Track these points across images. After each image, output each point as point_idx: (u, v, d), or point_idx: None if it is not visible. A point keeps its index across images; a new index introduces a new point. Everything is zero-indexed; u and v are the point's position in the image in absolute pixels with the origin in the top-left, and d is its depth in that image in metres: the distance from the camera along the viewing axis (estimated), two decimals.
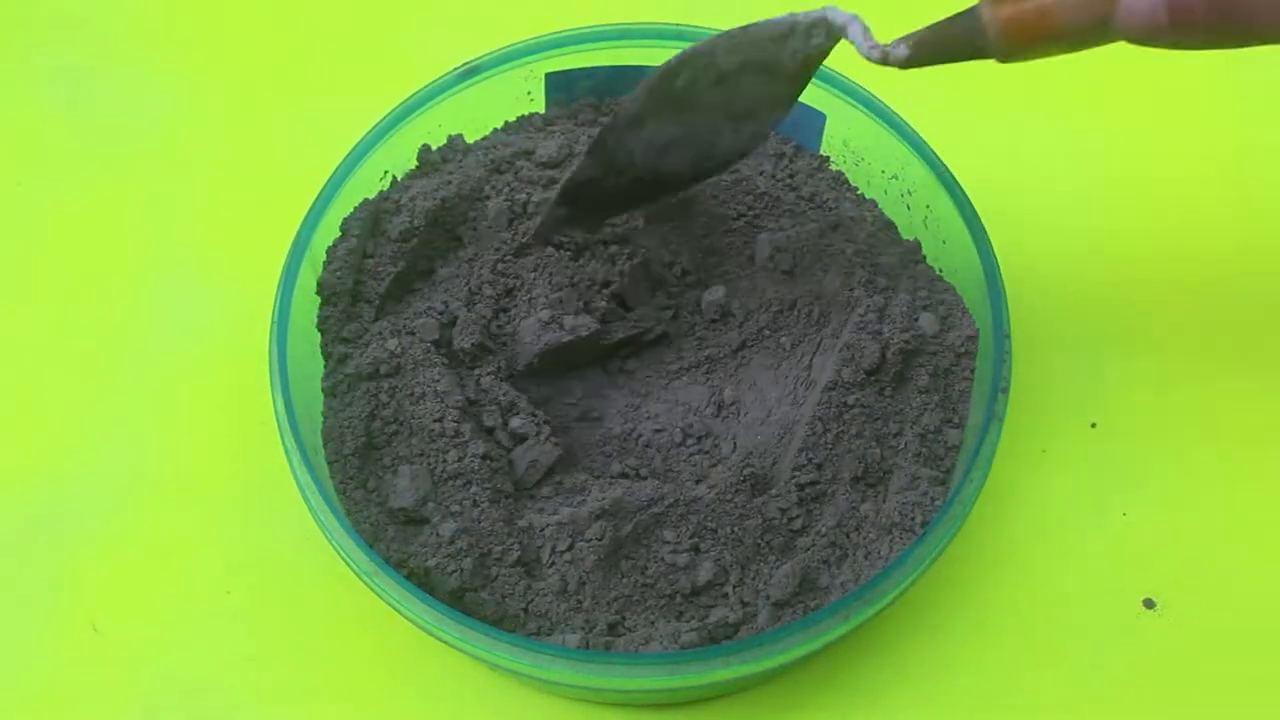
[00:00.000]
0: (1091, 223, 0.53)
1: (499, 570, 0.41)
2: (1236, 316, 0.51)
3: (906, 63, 0.39)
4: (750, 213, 0.47)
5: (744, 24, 0.40)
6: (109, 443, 0.49)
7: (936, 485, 0.42)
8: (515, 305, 0.46)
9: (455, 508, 0.42)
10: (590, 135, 0.48)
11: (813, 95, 0.47)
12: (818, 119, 0.48)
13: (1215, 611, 0.45)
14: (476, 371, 0.45)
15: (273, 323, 0.43)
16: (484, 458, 0.42)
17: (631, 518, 0.41)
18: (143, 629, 0.45)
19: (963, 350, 0.44)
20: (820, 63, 0.41)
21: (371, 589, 0.39)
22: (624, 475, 0.44)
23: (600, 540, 0.41)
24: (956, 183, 0.45)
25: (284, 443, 0.41)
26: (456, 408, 0.43)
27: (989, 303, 0.43)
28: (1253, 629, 0.45)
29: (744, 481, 0.42)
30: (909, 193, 0.47)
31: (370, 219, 0.46)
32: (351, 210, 0.46)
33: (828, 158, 0.49)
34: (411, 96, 0.47)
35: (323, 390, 0.44)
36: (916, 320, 0.44)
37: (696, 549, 0.42)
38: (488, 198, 0.47)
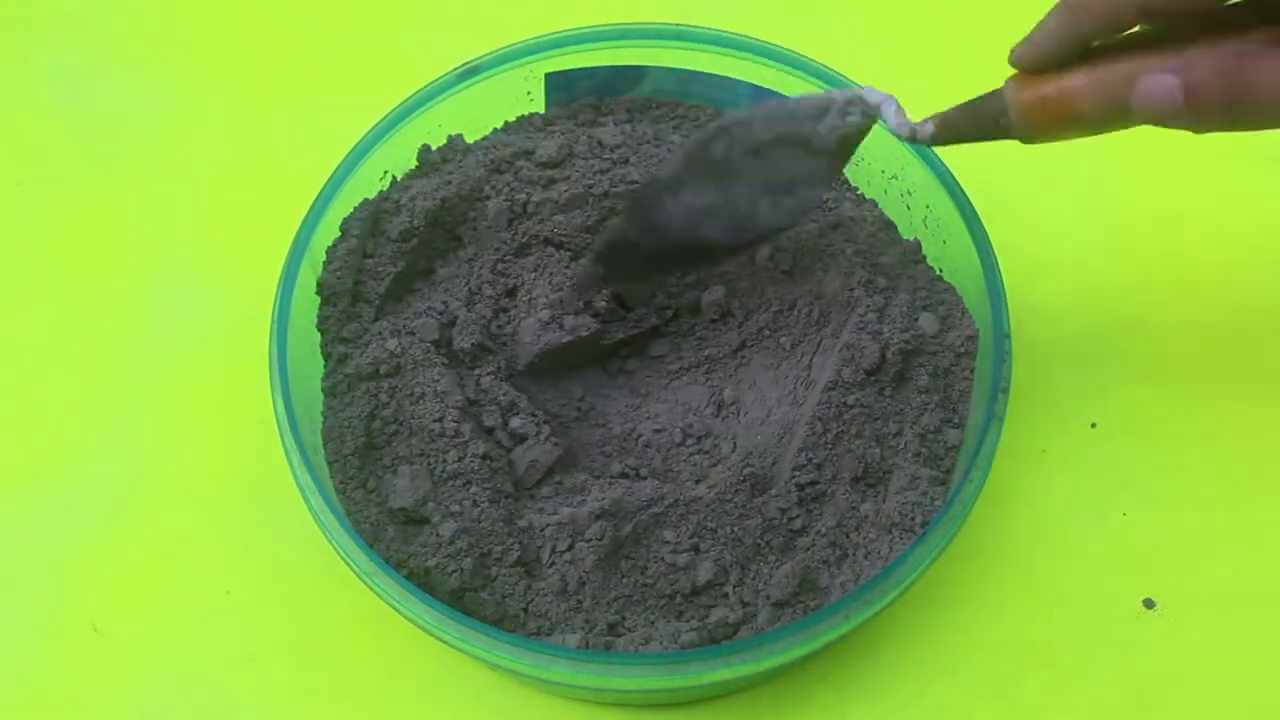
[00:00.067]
0: (1091, 223, 0.53)
1: (499, 570, 0.41)
2: (1236, 317, 0.51)
3: (933, 140, 0.40)
4: None
5: (782, 99, 0.41)
6: (109, 443, 0.49)
7: (936, 485, 0.42)
8: (515, 305, 0.46)
9: (455, 508, 0.42)
10: (590, 135, 0.48)
11: None
12: None
13: (1215, 611, 0.45)
14: (476, 371, 0.45)
15: (272, 323, 0.43)
16: (484, 458, 0.42)
17: (631, 518, 0.41)
18: (143, 629, 0.45)
19: (962, 350, 0.44)
20: (857, 143, 0.41)
21: (371, 589, 0.39)
22: (624, 475, 0.44)
23: (600, 540, 0.41)
24: (956, 183, 0.45)
25: (284, 443, 0.41)
26: (456, 408, 0.43)
27: (989, 303, 0.43)
28: (1252, 629, 0.45)
29: (744, 481, 0.42)
30: (909, 193, 0.47)
31: (370, 219, 0.46)
32: (351, 210, 0.46)
33: None
34: (411, 96, 0.47)
35: (322, 390, 0.44)
36: (916, 320, 0.44)
37: (696, 549, 0.42)
38: (487, 198, 0.47)
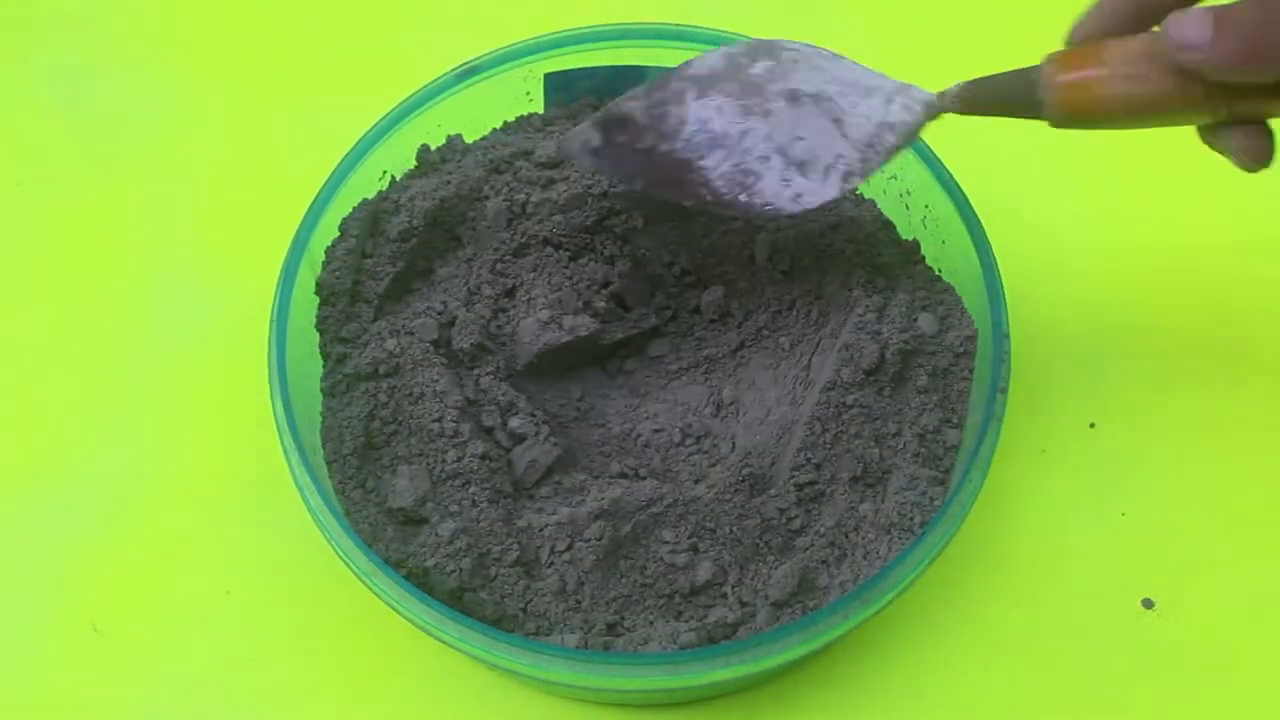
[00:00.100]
0: (1091, 223, 0.53)
1: (498, 570, 0.41)
2: (1236, 317, 0.51)
3: (955, 104, 0.39)
4: None
5: (838, 55, 0.39)
6: (109, 443, 0.49)
7: (935, 485, 0.42)
8: (514, 305, 0.46)
9: (454, 507, 0.42)
10: None
11: None
12: None
13: (1214, 611, 0.45)
14: (476, 371, 0.45)
15: (272, 323, 0.43)
16: (483, 457, 0.42)
17: (630, 518, 0.41)
18: (143, 629, 0.45)
19: (961, 350, 0.44)
20: (885, 159, 0.40)
21: (371, 589, 0.39)
22: (623, 475, 0.44)
23: (599, 540, 0.41)
24: (956, 183, 0.45)
25: (283, 443, 0.41)
26: (455, 408, 0.43)
27: (988, 303, 0.43)
28: (1251, 629, 0.45)
29: (743, 481, 0.42)
30: (908, 193, 0.47)
31: (369, 219, 0.46)
32: (350, 210, 0.46)
33: None
34: (411, 96, 0.47)
35: (321, 390, 0.44)
36: (915, 320, 0.44)
37: (695, 549, 0.42)
38: (486, 198, 0.47)
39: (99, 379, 0.50)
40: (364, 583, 0.39)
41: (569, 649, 0.39)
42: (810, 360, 0.45)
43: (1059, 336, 0.50)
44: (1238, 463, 0.48)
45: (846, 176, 0.41)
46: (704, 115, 0.40)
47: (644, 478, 0.44)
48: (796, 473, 0.42)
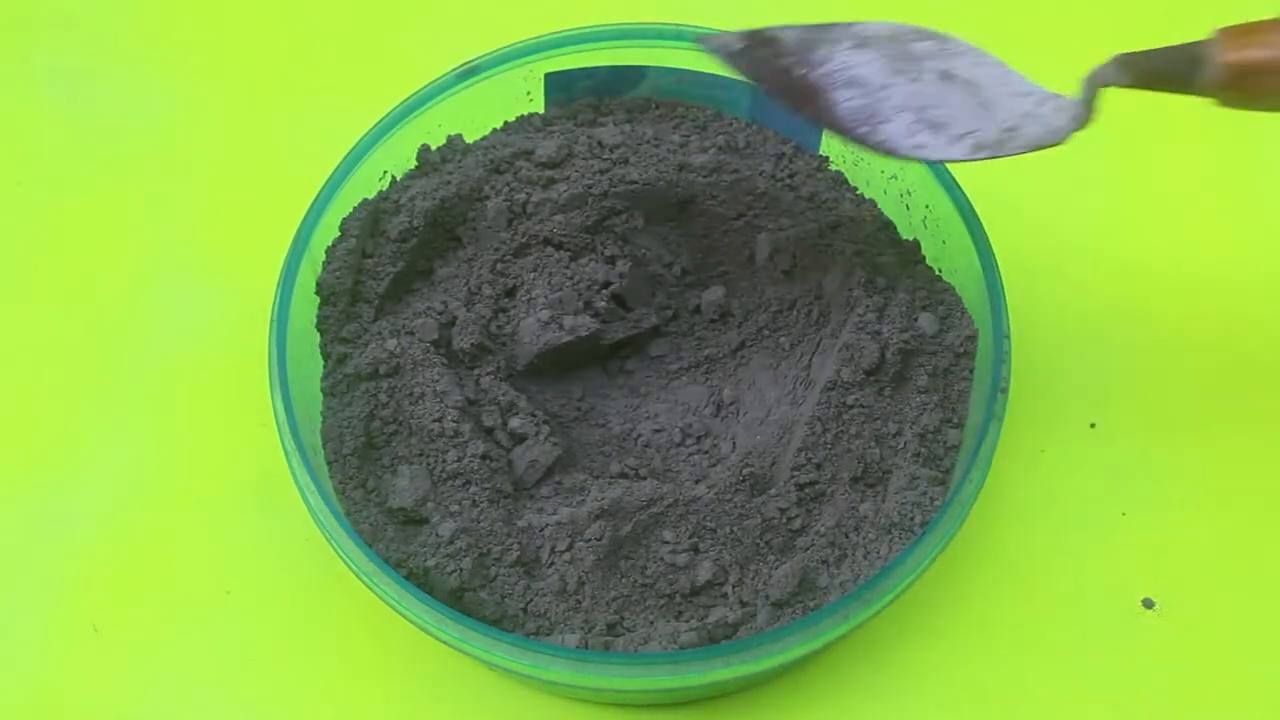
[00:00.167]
0: (1091, 223, 0.53)
1: (498, 570, 0.41)
2: (1236, 317, 0.51)
3: (1119, 78, 0.37)
4: (750, 213, 0.47)
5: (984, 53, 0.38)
6: (109, 443, 0.49)
7: (936, 485, 0.42)
8: (515, 305, 0.46)
9: (455, 508, 0.42)
10: (589, 135, 0.48)
11: None
12: None
13: (1214, 611, 0.45)
14: (476, 371, 0.45)
15: (272, 323, 0.43)
16: (483, 458, 0.42)
17: (631, 518, 0.41)
18: (143, 629, 0.45)
19: (962, 350, 0.44)
20: (1024, 148, 0.38)
21: (371, 589, 0.39)
22: (623, 475, 0.44)
23: (599, 540, 0.41)
24: (956, 183, 0.45)
25: (283, 443, 0.41)
26: (456, 408, 0.43)
27: (988, 303, 0.43)
28: (1252, 629, 0.45)
29: (743, 481, 0.42)
30: (908, 193, 0.47)
31: (370, 219, 0.46)
32: (351, 210, 0.46)
33: (827, 158, 0.49)
34: (411, 96, 0.47)
35: (322, 390, 0.44)
36: (916, 320, 0.44)
37: (696, 549, 0.42)
38: (487, 198, 0.47)
39: (99, 379, 0.50)
40: (364, 583, 0.39)
41: (569, 649, 0.39)
42: (810, 360, 0.45)
43: (1059, 336, 0.50)
44: (1238, 463, 0.48)
45: (978, 147, 0.40)
46: (852, 61, 0.39)
47: (644, 478, 0.44)
48: (797, 473, 0.42)
